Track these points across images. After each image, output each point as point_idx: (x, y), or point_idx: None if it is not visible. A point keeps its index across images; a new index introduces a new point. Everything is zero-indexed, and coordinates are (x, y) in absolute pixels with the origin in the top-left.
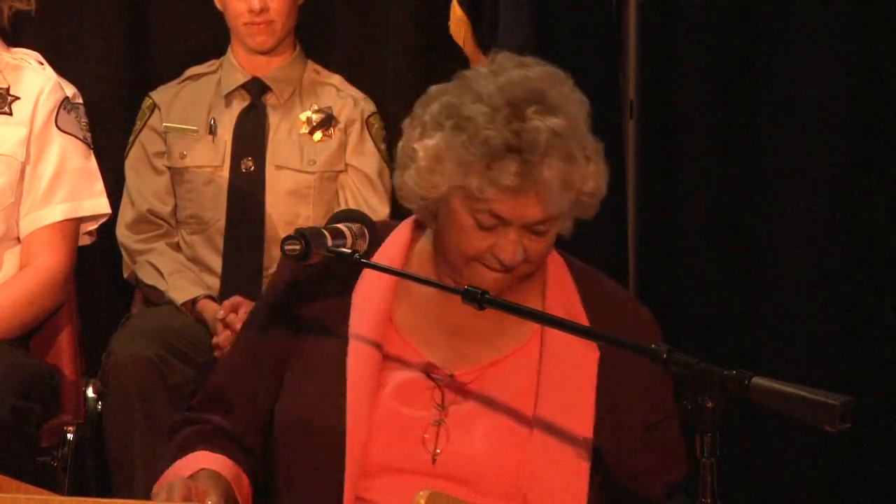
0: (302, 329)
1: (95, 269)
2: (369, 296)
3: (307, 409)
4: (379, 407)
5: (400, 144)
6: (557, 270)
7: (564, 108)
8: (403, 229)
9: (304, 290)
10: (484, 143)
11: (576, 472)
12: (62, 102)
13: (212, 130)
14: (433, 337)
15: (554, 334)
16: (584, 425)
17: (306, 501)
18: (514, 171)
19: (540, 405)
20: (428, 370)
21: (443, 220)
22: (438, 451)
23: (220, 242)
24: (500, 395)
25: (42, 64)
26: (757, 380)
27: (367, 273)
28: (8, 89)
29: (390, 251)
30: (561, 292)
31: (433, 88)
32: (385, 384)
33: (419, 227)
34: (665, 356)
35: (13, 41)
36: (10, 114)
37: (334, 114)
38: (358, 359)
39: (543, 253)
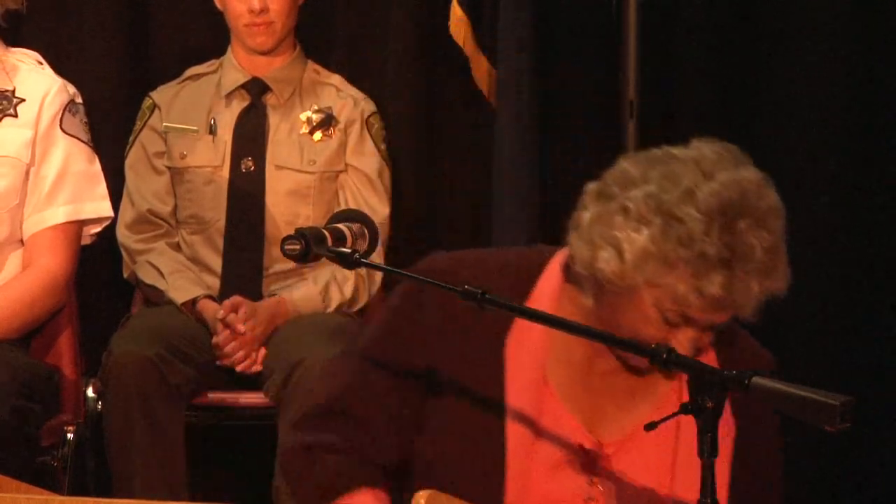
0: (449, 375)
1: (95, 269)
2: (523, 356)
3: (460, 474)
4: (534, 481)
5: (586, 215)
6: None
7: (772, 224)
8: (553, 275)
9: (447, 330)
10: (699, 253)
11: None
12: (67, 105)
13: (212, 130)
14: (583, 399)
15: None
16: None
17: None
18: (720, 283)
19: (676, 483)
20: (580, 440)
21: (619, 299)
22: None
23: (220, 242)
24: (640, 469)
25: (41, 64)
26: (757, 380)
27: (517, 327)
28: (13, 91)
29: (543, 301)
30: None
31: (628, 166)
32: (539, 454)
33: (567, 270)
34: (665, 356)
35: (12, 41)
36: (16, 115)
37: (334, 114)
38: (517, 434)
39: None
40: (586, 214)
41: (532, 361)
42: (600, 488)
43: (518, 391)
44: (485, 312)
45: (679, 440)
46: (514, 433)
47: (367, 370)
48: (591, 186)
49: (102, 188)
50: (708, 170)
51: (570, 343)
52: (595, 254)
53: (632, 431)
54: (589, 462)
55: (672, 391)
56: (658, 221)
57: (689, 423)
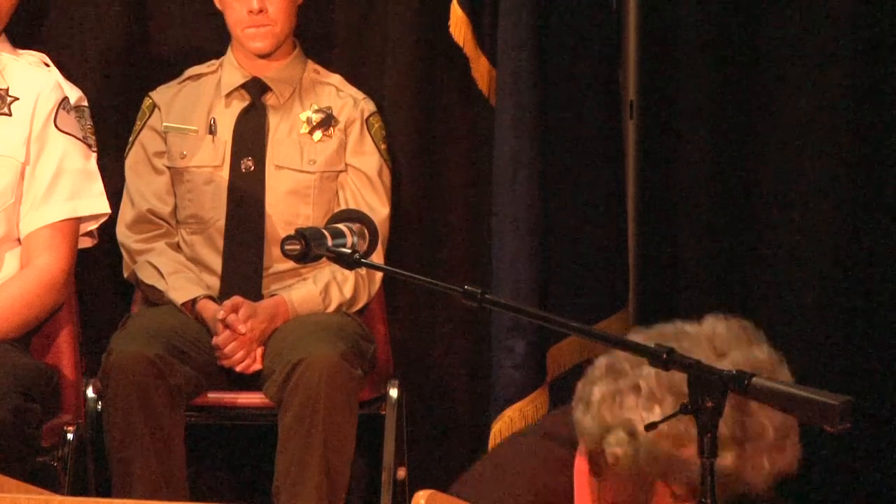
0: None
1: (95, 269)
2: None
3: None
4: None
5: (596, 391)
6: None
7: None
8: (583, 486)
9: None
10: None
11: None
12: (61, 102)
13: (212, 130)
14: None
15: None
16: None
17: None
18: (732, 460)
19: None
20: None
21: (623, 478)
22: None
23: (220, 242)
24: None
25: (48, 65)
26: (757, 380)
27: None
28: (7, 90)
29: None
30: None
31: (639, 341)
32: None
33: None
34: (665, 356)
35: (21, 44)
36: (10, 114)
37: (334, 114)
38: None
39: None
40: (596, 391)
41: None
42: None
43: None
44: None
45: None
46: None
47: None
48: (601, 360)
49: (99, 185)
50: (720, 348)
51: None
52: (605, 435)
53: None
54: None
55: None
56: (670, 400)
57: None
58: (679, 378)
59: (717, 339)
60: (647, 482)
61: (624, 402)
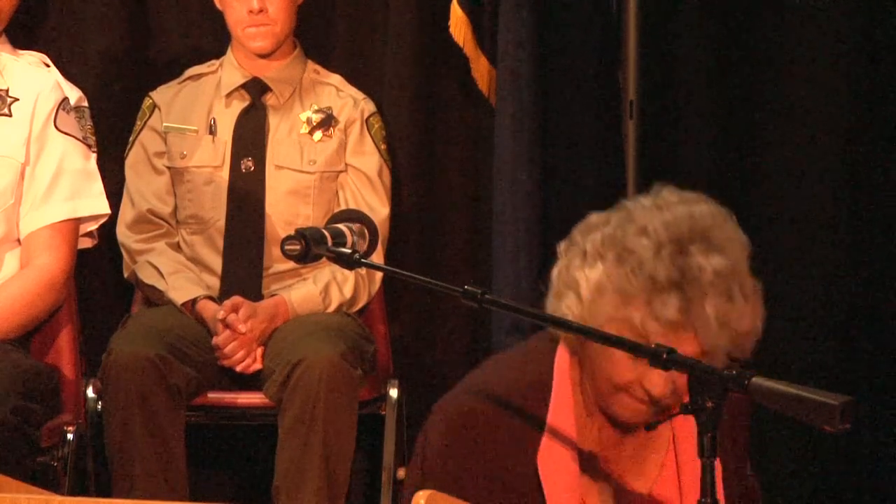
0: (496, 501)
1: (95, 269)
2: (558, 474)
3: None
4: None
5: (555, 270)
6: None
7: (727, 248)
8: (563, 373)
9: (484, 457)
10: (648, 277)
11: None
12: (61, 103)
13: (212, 130)
14: (605, 496)
15: (685, 461)
16: None
17: None
18: (675, 307)
19: None
20: None
21: (594, 348)
22: None
23: (220, 242)
24: None
25: (48, 65)
26: (757, 380)
27: (547, 438)
28: (7, 90)
29: (563, 407)
30: (688, 433)
31: (593, 217)
32: None
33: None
34: (665, 356)
35: (21, 44)
36: (10, 115)
37: (334, 114)
38: None
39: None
40: (554, 270)
41: (564, 471)
42: None
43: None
44: (511, 437)
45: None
46: None
47: None
48: (561, 243)
49: (99, 185)
50: (663, 205)
51: (586, 431)
52: (560, 305)
53: (648, 493)
54: None
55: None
56: (611, 255)
57: (688, 482)
58: (621, 234)
59: (662, 201)
60: (595, 346)
61: (571, 266)
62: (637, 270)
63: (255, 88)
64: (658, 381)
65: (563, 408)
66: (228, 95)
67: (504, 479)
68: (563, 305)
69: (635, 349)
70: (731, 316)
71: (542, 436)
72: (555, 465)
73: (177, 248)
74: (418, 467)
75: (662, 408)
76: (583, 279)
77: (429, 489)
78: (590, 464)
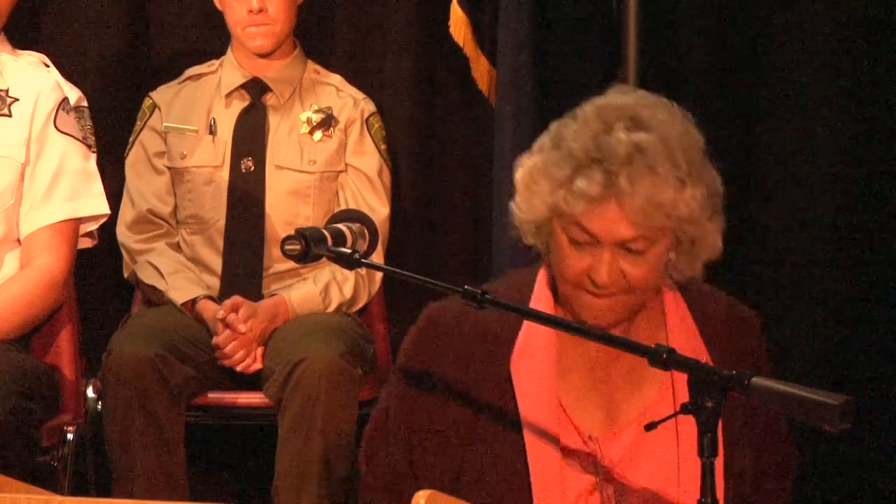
0: (466, 400)
1: (95, 269)
2: (531, 372)
3: (490, 494)
4: (552, 485)
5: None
6: (675, 303)
7: (655, 127)
8: (543, 280)
9: (453, 355)
10: (569, 154)
11: None
12: (61, 103)
13: (212, 130)
14: (589, 409)
15: (683, 387)
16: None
17: None
18: (596, 181)
19: (682, 479)
20: (593, 447)
21: (552, 251)
22: None
23: (220, 242)
24: (646, 463)
25: (48, 66)
26: (757, 380)
27: (522, 341)
28: (7, 91)
29: (540, 304)
30: (681, 324)
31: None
32: (554, 460)
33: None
34: (665, 356)
35: (21, 44)
36: (10, 115)
37: (334, 114)
38: (537, 454)
39: (645, 279)
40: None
41: (543, 385)
42: (608, 489)
43: (531, 410)
44: (485, 339)
45: (679, 431)
46: (536, 456)
47: (400, 448)
48: None
49: (98, 186)
50: (604, 96)
51: (571, 355)
52: (511, 204)
53: (640, 420)
54: (595, 464)
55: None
56: (547, 144)
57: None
58: (562, 124)
59: (608, 94)
60: (546, 234)
61: (517, 166)
62: (564, 151)
63: (255, 88)
64: (602, 269)
65: (538, 306)
66: (228, 95)
67: (475, 378)
68: (513, 203)
69: (635, 349)
70: (660, 196)
71: (516, 340)
72: (529, 369)
73: (177, 248)
74: (394, 363)
75: (626, 306)
76: (520, 171)
77: (400, 386)
78: (574, 376)
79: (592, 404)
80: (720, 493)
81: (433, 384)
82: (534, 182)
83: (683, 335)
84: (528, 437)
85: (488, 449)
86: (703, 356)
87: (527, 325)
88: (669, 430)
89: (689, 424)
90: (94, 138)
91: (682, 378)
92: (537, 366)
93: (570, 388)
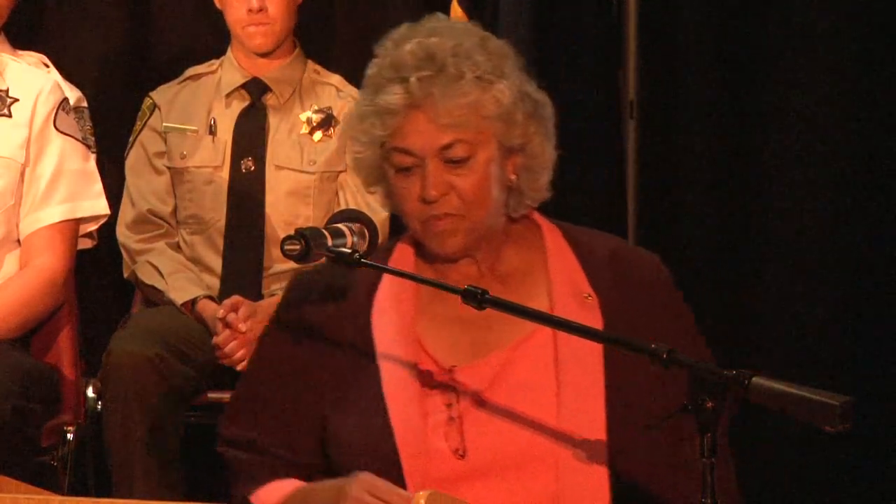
0: (327, 348)
1: (95, 269)
2: (389, 313)
3: (356, 442)
4: (410, 412)
5: None
6: (555, 241)
7: (449, 35)
8: (406, 239)
9: (319, 306)
10: (370, 84)
11: (597, 456)
12: (61, 103)
13: (212, 130)
14: (452, 342)
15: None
16: (598, 421)
17: None
18: (394, 93)
19: (561, 394)
20: (452, 376)
21: (391, 194)
22: (466, 449)
23: (220, 242)
24: (522, 386)
25: (48, 66)
26: (757, 380)
27: (384, 287)
28: (7, 91)
29: (405, 252)
30: (561, 258)
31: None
32: (411, 389)
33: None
34: (665, 356)
35: (21, 44)
36: (10, 115)
37: (334, 114)
38: (393, 386)
39: (474, 191)
40: None
41: (400, 320)
42: (466, 419)
43: (386, 345)
44: (348, 294)
45: (558, 351)
46: (392, 387)
47: (266, 391)
48: None
49: (98, 186)
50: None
51: (434, 293)
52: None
53: (515, 346)
54: (456, 394)
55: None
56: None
57: (568, 341)
58: None
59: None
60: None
61: None
62: (365, 85)
63: (255, 88)
64: (428, 182)
65: (400, 264)
66: (228, 95)
67: (339, 326)
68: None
69: (636, 349)
70: (458, 91)
71: (376, 291)
72: (387, 311)
73: (177, 248)
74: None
75: (471, 224)
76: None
77: (269, 337)
78: (438, 312)
79: (455, 337)
80: (601, 424)
81: (299, 335)
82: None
83: (565, 273)
84: (385, 374)
85: (350, 388)
86: (587, 291)
87: (387, 276)
88: (545, 355)
89: (570, 349)
90: (93, 138)
91: (562, 310)
92: (396, 307)
93: (431, 325)
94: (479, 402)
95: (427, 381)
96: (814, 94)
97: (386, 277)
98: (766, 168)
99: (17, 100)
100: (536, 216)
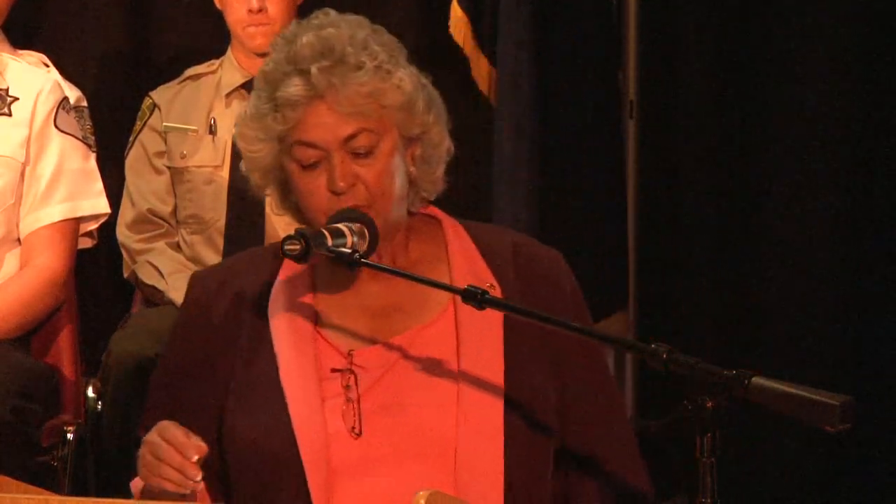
0: (227, 343)
1: (95, 269)
2: (286, 301)
3: (254, 431)
4: (308, 397)
5: None
6: (456, 234)
7: (342, 26)
8: None
9: (218, 302)
10: (265, 81)
11: (494, 427)
12: (61, 102)
13: (212, 130)
14: (355, 325)
15: (466, 314)
16: (496, 412)
17: None
18: (295, 84)
19: (461, 382)
20: (351, 360)
21: (292, 191)
22: (362, 428)
23: (220, 242)
24: (422, 371)
25: (48, 66)
26: (757, 380)
27: (280, 278)
28: (7, 90)
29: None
30: (462, 250)
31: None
32: (308, 375)
33: None
34: (665, 356)
35: (21, 44)
36: (10, 115)
37: None
38: (290, 373)
39: (380, 182)
40: None
41: (292, 303)
42: (363, 402)
43: (283, 338)
44: (245, 291)
45: (459, 327)
46: (288, 375)
47: (166, 386)
48: None
49: (98, 185)
50: None
51: (339, 280)
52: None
53: (418, 329)
54: (347, 371)
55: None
56: (251, 96)
57: (466, 309)
58: None
59: None
60: (282, 177)
61: None
62: (260, 84)
63: None
64: (334, 174)
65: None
66: (228, 95)
67: (237, 320)
68: (241, 166)
69: (636, 349)
70: (358, 80)
71: (274, 283)
72: (283, 308)
73: (177, 247)
74: None
75: (387, 222)
76: (235, 131)
77: (175, 333)
78: (338, 299)
79: (356, 323)
80: (499, 415)
81: (200, 332)
82: (246, 127)
83: (466, 264)
84: (283, 362)
85: (248, 380)
86: (490, 281)
87: (286, 265)
88: (447, 343)
89: (472, 338)
90: (94, 138)
91: (467, 309)
92: (292, 297)
93: (331, 312)
94: (378, 383)
95: (325, 366)
96: (814, 94)
97: (277, 284)
98: (766, 168)
99: (17, 99)
100: (436, 211)
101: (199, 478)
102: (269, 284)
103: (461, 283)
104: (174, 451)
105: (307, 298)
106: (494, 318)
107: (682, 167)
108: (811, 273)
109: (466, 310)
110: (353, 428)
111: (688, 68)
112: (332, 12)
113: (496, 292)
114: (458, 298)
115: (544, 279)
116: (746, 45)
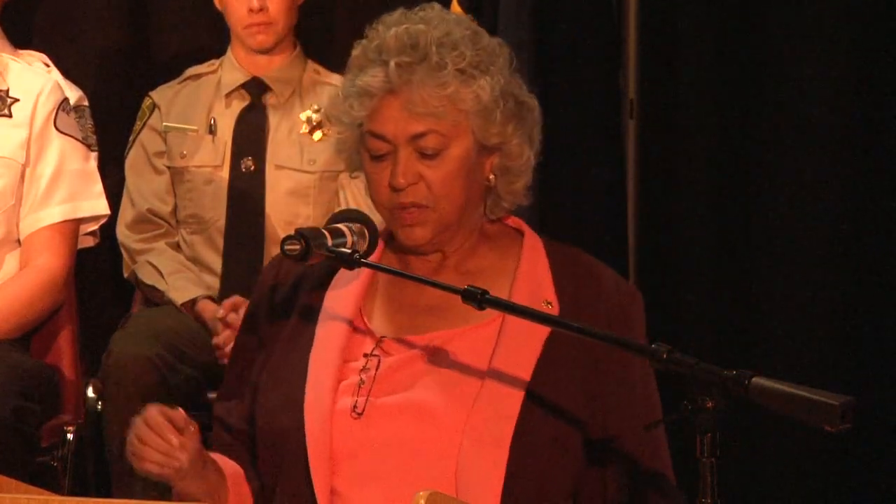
0: (284, 323)
1: (95, 269)
2: (341, 295)
3: (272, 413)
4: (326, 389)
5: None
6: (533, 250)
7: (438, 25)
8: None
9: (285, 285)
10: (354, 63)
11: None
12: (61, 103)
13: (212, 130)
14: (399, 317)
15: (514, 329)
16: (506, 430)
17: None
18: (373, 75)
19: (481, 392)
20: (380, 346)
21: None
22: (365, 408)
23: (220, 242)
24: (447, 371)
25: (48, 66)
26: (757, 380)
27: (342, 273)
28: (7, 91)
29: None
30: (533, 264)
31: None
32: (332, 366)
33: None
34: (665, 356)
35: (21, 44)
36: (10, 116)
37: None
38: (319, 350)
39: (444, 184)
40: None
41: (347, 303)
42: (375, 375)
43: (326, 326)
44: (311, 274)
45: (501, 332)
46: (317, 359)
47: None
48: None
49: (98, 186)
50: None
51: (393, 282)
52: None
53: (461, 330)
54: (373, 355)
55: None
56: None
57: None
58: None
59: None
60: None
61: None
62: (350, 67)
63: (255, 88)
64: (397, 170)
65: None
66: (228, 95)
67: (294, 308)
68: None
69: (636, 349)
70: (437, 81)
71: (338, 270)
72: (338, 293)
73: (176, 247)
74: None
75: (439, 219)
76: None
77: (244, 322)
78: (392, 299)
79: (401, 316)
80: (510, 425)
81: (266, 314)
82: (334, 107)
83: (530, 284)
84: (317, 341)
85: (284, 355)
86: (549, 297)
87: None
88: (482, 351)
89: (508, 353)
90: (94, 138)
91: (516, 321)
92: (349, 284)
93: (382, 303)
94: (396, 371)
95: (358, 350)
96: (814, 94)
97: (340, 272)
98: (766, 168)
99: (17, 100)
100: (521, 224)
101: (183, 458)
102: (335, 270)
103: (518, 294)
104: (153, 434)
105: (364, 286)
106: (540, 332)
107: (682, 167)
108: (811, 273)
109: (515, 322)
110: (355, 407)
111: (688, 68)
112: (437, 6)
113: (552, 309)
114: (497, 323)
115: (609, 306)
116: (746, 45)
